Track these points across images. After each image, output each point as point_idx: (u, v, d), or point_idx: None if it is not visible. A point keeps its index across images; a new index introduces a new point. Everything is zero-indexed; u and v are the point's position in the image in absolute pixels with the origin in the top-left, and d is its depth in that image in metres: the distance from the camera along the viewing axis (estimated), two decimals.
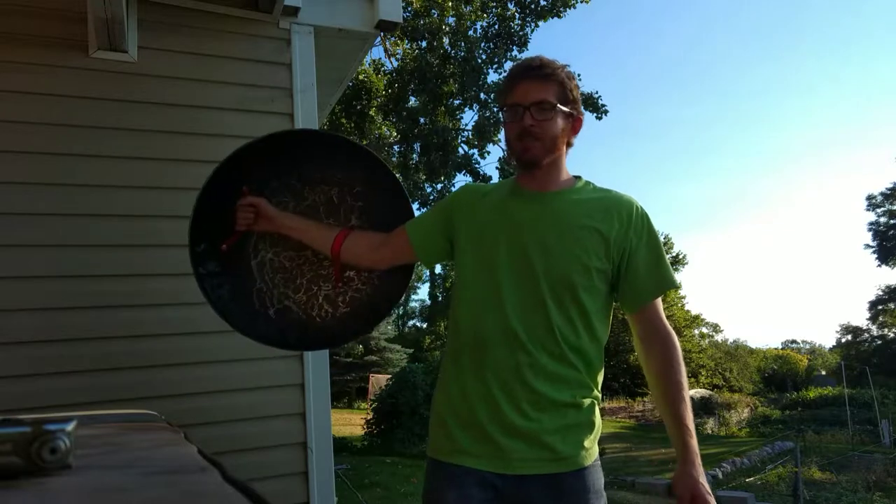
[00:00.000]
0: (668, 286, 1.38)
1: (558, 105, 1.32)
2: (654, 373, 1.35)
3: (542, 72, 1.32)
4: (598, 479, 1.34)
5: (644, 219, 1.38)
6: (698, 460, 1.26)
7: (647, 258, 1.37)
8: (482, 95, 11.01)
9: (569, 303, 1.31)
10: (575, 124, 1.39)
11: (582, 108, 1.40)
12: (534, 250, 1.32)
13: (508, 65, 11.56)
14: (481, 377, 1.31)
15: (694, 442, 1.28)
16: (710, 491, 1.23)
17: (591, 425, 1.35)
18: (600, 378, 1.39)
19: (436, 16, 10.65)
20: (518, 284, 1.32)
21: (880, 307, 38.28)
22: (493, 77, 13.25)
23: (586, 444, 1.33)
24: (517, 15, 11.18)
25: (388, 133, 12.05)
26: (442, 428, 1.37)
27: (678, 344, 1.36)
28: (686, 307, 37.44)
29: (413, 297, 41.36)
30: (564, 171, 1.42)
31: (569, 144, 1.41)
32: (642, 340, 1.39)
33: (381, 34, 2.65)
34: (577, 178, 1.44)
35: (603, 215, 1.35)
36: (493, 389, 1.30)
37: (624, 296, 1.38)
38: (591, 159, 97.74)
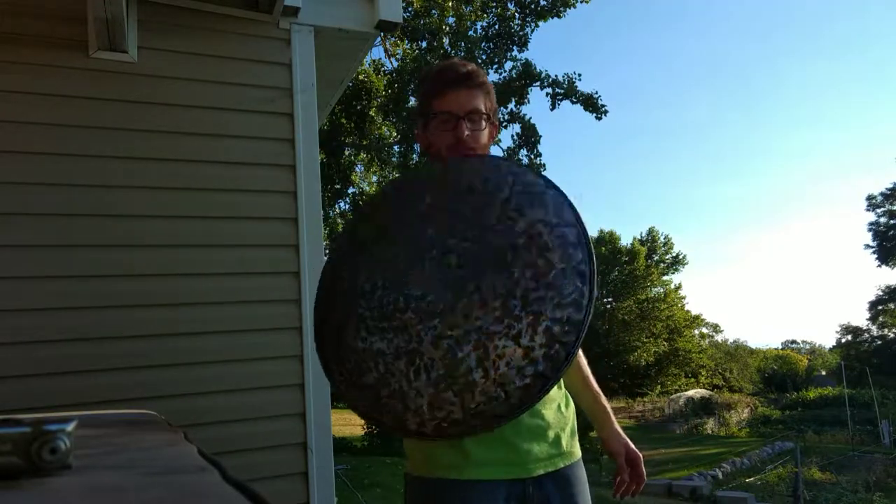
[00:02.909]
0: None
1: (488, 114, 1.34)
2: None
3: (475, 80, 1.32)
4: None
5: None
6: (615, 419, 1.47)
7: None
8: None
9: None
10: (494, 130, 1.42)
11: (498, 115, 1.42)
12: None
13: (509, 65, 11.57)
14: None
15: (608, 404, 1.47)
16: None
17: (574, 416, 1.38)
18: None
19: (436, 16, 10.65)
20: None
21: (880, 307, 38.31)
22: (492, 77, 13.24)
23: (576, 436, 1.36)
24: (517, 15, 11.18)
25: (388, 133, 12.04)
26: (445, 442, 1.22)
27: None
28: (686, 307, 37.46)
29: None
30: None
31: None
32: None
33: (381, 34, 2.65)
34: None
35: None
36: None
37: None
38: (592, 160, 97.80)
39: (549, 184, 1.15)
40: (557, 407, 1.31)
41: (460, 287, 1.06)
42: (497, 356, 0.99)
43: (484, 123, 1.33)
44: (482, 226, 1.11)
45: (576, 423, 1.39)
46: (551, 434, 1.28)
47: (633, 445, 1.41)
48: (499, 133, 1.48)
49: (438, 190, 1.23)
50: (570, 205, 1.11)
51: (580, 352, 1.47)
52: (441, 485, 1.21)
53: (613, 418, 1.45)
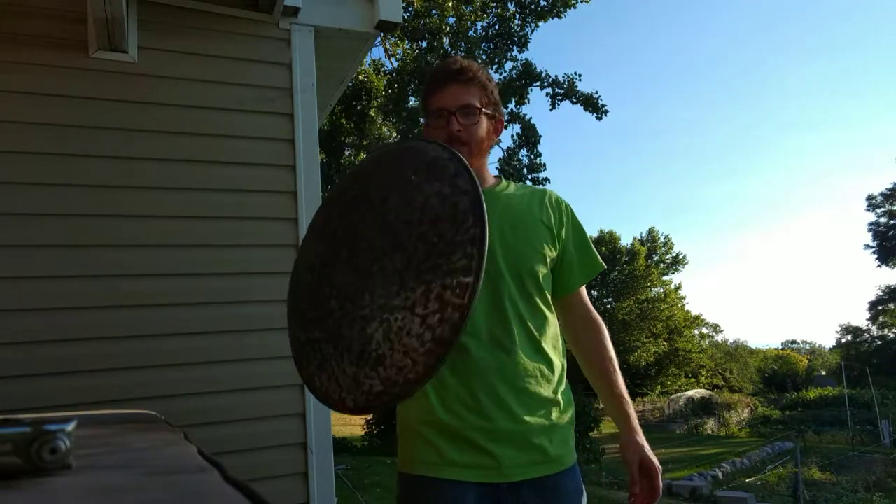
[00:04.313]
0: (598, 269, 1.46)
1: (482, 108, 1.35)
2: (590, 352, 1.42)
3: (465, 76, 1.35)
4: (580, 476, 1.36)
5: (567, 206, 1.45)
6: (639, 427, 1.36)
7: (577, 243, 1.43)
8: None
9: (534, 294, 1.32)
10: (497, 125, 1.43)
11: (503, 108, 1.44)
12: (496, 246, 1.30)
13: (509, 65, 11.58)
14: (466, 383, 1.24)
15: (633, 410, 1.38)
16: (654, 455, 1.33)
17: (572, 421, 1.35)
18: (566, 369, 1.40)
19: (436, 16, 10.65)
20: (484, 283, 1.26)
21: (880, 307, 38.30)
22: (493, 77, 13.26)
23: (570, 442, 1.33)
24: (517, 15, 11.19)
25: (388, 133, 12.05)
26: (422, 441, 1.27)
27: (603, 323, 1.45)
28: (686, 307, 37.46)
29: None
30: (488, 170, 1.46)
31: (493, 144, 1.45)
32: (574, 324, 1.43)
33: (381, 34, 2.65)
34: (498, 177, 1.48)
35: (540, 207, 1.40)
36: (479, 394, 1.23)
37: (558, 281, 1.41)
38: (592, 160, 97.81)
39: (452, 156, 1.17)
40: (545, 413, 1.28)
41: (366, 270, 1.15)
42: (398, 328, 1.05)
43: (478, 117, 1.34)
44: (387, 209, 1.19)
45: (573, 427, 1.35)
46: (534, 441, 1.25)
47: (651, 456, 1.32)
48: (504, 128, 1.47)
49: (360, 183, 1.30)
50: (468, 173, 1.13)
51: (611, 355, 1.41)
52: (419, 481, 1.26)
53: (635, 425, 1.36)
